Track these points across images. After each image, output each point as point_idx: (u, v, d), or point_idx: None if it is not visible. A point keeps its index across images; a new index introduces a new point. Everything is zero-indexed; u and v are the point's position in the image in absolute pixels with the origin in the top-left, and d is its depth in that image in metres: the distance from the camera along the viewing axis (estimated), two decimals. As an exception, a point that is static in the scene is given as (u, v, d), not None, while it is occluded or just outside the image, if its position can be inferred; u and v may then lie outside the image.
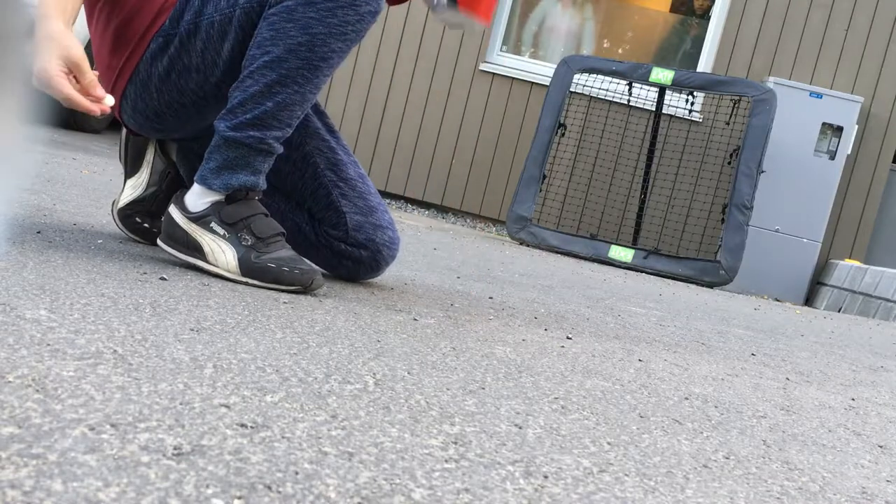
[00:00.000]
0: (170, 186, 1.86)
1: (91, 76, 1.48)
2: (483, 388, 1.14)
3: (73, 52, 1.47)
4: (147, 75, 1.67)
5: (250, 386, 0.93)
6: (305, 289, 1.59)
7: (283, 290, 1.58)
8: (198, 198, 1.63)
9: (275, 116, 1.60)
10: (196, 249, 1.61)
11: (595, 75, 5.56)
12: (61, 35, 1.47)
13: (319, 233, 1.84)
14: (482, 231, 5.90)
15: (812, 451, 1.16)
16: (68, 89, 1.44)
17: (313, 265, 1.63)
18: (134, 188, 1.86)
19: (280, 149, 1.64)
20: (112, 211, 1.87)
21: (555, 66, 5.54)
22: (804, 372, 1.91)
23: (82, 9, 1.68)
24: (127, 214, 1.85)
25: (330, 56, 1.60)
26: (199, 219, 1.61)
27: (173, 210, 1.64)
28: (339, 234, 1.83)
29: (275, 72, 1.57)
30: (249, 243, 1.59)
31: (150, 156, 1.86)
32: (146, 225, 1.84)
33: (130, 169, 1.88)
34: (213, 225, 1.60)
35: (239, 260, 1.58)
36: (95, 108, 1.48)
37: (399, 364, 1.18)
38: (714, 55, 6.03)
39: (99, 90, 1.48)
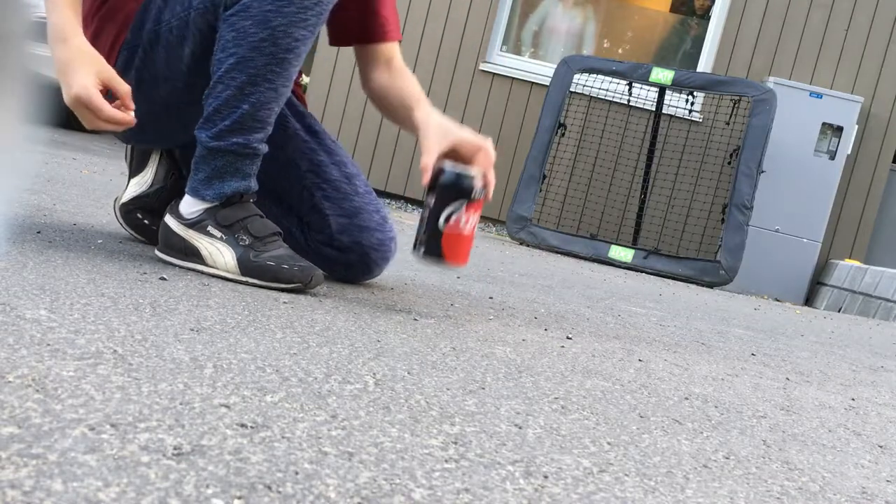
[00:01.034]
0: (175, 185, 1.85)
1: (126, 86, 1.49)
2: (483, 388, 1.14)
3: (105, 66, 1.47)
4: None
5: (250, 386, 0.93)
6: (305, 286, 1.58)
7: (282, 289, 1.58)
8: (191, 205, 1.63)
9: (253, 117, 1.58)
10: (194, 254, 1.61)
11: (595, 75, 5.56)
12: (91, 51, 1.47)
13: (308, 237, 1.82)
14: (482, 231, 5.90)
15: (812, 451, 1.16)
16: (109, 108, 1.45)
17: (311, 263, 1.63)
18: (139, 185, 1.86)
19: (265, 148, 1.63)
20: (114, 206, 1.88)
21: (555, 66, 5.54)
22: (804, 372, 1.91)
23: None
24: (129, 209, 1.85)
25: (295, 46, 1.57)
26: (196, 224, 1.61)
27: (169, 219, 1.64)
28: (324, 238, 1.80)
29: (243, 73, 1.55)
30: (247, 243, 1.59)
31: (156, 156, 1.87)
32: (146, 221, 1.84)
33: (135, 168, 1.88)
34: (210, 228, 1.60)
35: (238, 259, 1.58)
36: (131, 119, 1.48)
37: (399, 364, 1.18)
38: (714, 55, 6.03)
39: (131, 101, 1.49)
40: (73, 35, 1.46)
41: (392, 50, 1.90)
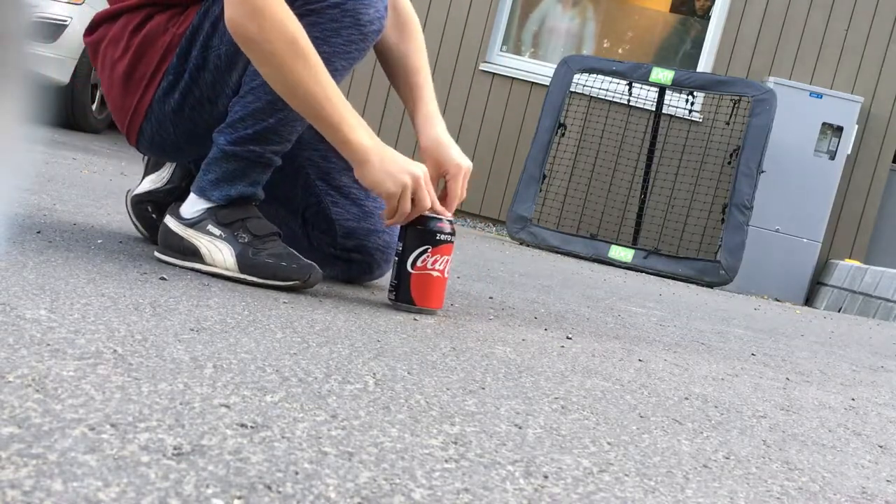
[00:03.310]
0: (189, 185, 1.86)
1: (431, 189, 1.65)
2: (483, 388, 1.14)
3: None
4: (161, 113, 1.68)
5: (250, 386, 0.93)
6: (303, 283, 1.59)
7: (281, 287, 1.58)
8: (194, 205, 1.64)
9: (276, 132, 1.61)
10: (193, 254, 1.61)
11: (595, 75, 5.56)
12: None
13: (313, 236, 1.84)
14: (482, 231, 5.90)
15: (812, 451, 1.16)
16: (431, 193, 1.62)
17: (311, 261, 1.63)
18: (153, 182, 1.88)
19: (279, 161, 1.65)
20: (126, 197, 1.89)
21: (555, 66, 5.54)
22: (804, 372, 1.91)
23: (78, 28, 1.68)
24: (140, 200, 1.86)
25: (333, 75, 1.59)
26: (196, 223, 1.62)
27: (168, 220, 1.65)
28: (329, 240, 1.82)
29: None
30: (246, 240, 1.60)
31: None
32: (154, 216, 1.84)
33: (152, 167, 1.89)
34: (210, 227, 1.61)
35: (237, 256, 1.59)
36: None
37: (399, 364, 1.18)
38: (714, 55, 6.03)
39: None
40: (378, 138, 1.60)
41: None
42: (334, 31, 1.57)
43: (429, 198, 1.60)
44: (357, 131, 1.56)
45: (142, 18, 1.66)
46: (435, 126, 1.76)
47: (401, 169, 1.57)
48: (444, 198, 1.73)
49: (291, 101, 1.55)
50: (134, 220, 1.88)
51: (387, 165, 1.57)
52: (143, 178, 1.89)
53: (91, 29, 1.74)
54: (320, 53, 1.55)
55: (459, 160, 1.74)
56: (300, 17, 1.56)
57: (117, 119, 1.74)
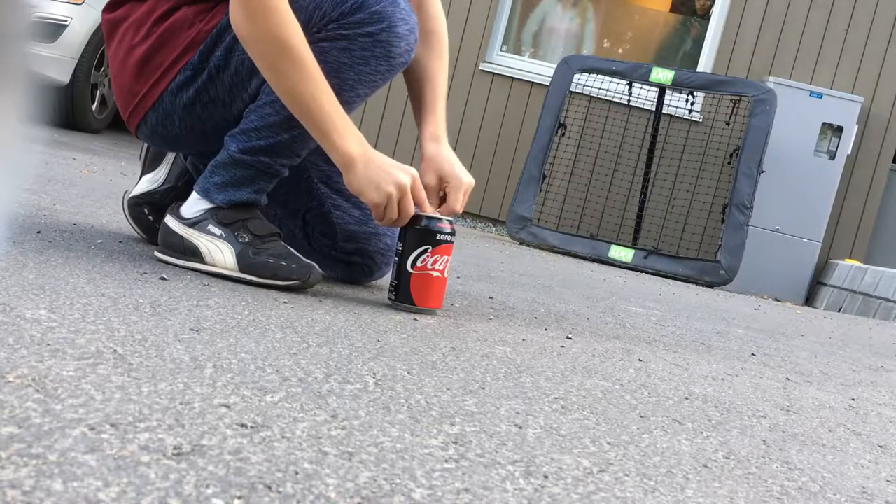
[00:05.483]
0: (185, 186, 1.86)
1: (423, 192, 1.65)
2: (483, 388, 1.14)
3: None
4: (171, 105, 1.66)
5: (250, 386, 0.93)
6: (303, 283, 1.59)
7: (281, 286, 1.58)
8: (195, 205, 1.64)
9: (288, 147, 1.61)
10: (193, 253, 1.61)
11: (595, 75, 5.56)
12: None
13: (313, 238, 1.84)
14: (482, 231, 5.90)
15: (812, 451, 1.16)
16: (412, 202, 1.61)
17: (311, 261, 1.63)
18: (150, 182, 1.87)
19: (286, 172, 1.65)
20: (123, 199, 1.89)
21: (555, 66, 5.54)
22: (804, 372, 1.91)
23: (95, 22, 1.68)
24: (137, 203, 1.86)
25: (354, 100, 1.61)
26: (196, 223, 1.62)
27: (169, 220, 1.65)
28: (329, 242, 1.82)
29: None
30: (246, 240, 1.60)
31: (170, 156, 1.87)
32: (151, 218, 1.84)
33: (148, 167, 1.89)
34: (210, 227, 1.61)
35: (237, 256, 1.59)
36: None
37: (399, 364, 1.18)
38: (714, 55, 6.03)
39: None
40: (368, 145, 1.59)
41: None
42: (364, 59, 1.57)
43: (413, 206, 1.59)
44: (346, 138, 1.55)
45: (169, 7, 1.65)
46: (440, 142, 1.75)
47: (387, 178, 1.56)
48: (440, 207, 1.73)
49: (284, 103, 1.55)
50: (131, 222, 1.88)
51: (372, 174, 1.56)
52: (140, 177, 1.89)
53: (112, 7, 1.72)
54: (345, 79, 1.57)
55: (462, 175, 1.73)
56: (331, 40, 1.56)
57: (121, 102, 1.72)
